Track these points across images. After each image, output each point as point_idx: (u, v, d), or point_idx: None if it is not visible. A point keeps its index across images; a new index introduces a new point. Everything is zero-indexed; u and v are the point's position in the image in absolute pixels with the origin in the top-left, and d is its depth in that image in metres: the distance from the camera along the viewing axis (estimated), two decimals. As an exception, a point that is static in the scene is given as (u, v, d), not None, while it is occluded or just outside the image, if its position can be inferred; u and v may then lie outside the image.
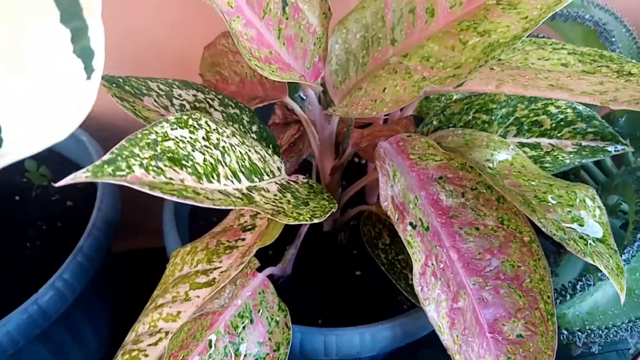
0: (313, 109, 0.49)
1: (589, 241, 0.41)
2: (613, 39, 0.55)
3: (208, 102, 0.47)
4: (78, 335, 0.61)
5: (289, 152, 0.59)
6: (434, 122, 0.54)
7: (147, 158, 0.28)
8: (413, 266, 0.41)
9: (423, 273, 0.41)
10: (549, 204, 0.44)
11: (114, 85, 0.41)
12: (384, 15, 0.42)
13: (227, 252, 0.45)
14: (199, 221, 0.62)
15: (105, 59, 0.66)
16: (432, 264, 0.43)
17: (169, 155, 0.30)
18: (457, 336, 0.41)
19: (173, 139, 0.31)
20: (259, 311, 0.43)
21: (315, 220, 0.36)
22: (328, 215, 0.38)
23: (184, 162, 0.31)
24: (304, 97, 0.54)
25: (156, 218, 0.58)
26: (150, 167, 0.28)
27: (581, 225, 0.42)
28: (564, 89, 0.36)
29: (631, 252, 0.47)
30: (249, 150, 0.41)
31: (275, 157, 0.47)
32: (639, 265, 0.52)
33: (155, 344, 0.41)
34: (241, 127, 0.49)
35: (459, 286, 0.42)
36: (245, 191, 0.36)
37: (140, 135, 0.29)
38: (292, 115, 0.60)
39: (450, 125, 0.53)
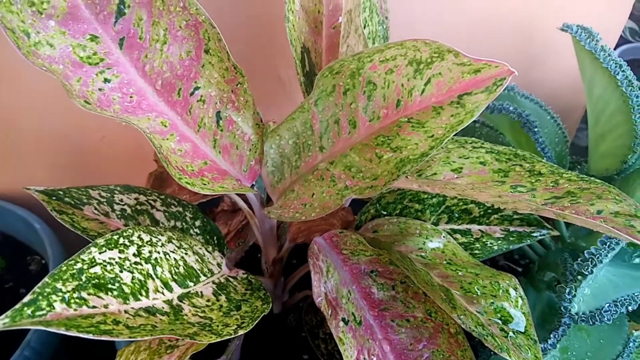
0: (253, 205, 0.51)
1: (509, 333, 0.44)
2: (536, 129, 0.59)
3: (150, 204, 0.49)
4: None
5: (236, 238, 0.61)
6: (371, 211, 0.57)
7: (69, 291, 0.30)
8: (345, 362, 0.43)
9: (355, 369, 0.43)
10: (474, 295, 0.46)
11: (54, 198, 0.43)
12: (312, 124, 0.46)
13: (167, 351, 0.46)
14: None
15: (64, 152, 0.68)
16: (365, 359, 0.44)
17: (94, 282, 0.32)
18: None
19: (100, 264, 0.33)
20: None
21: (241, 332, 0.38)
22: (256, 321, 0.40)
23: (110, 285, 0.33)
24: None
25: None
26: (72, 300, 0.30)
27: (504, 317, 0.45)
28: (469, 197, 0.39)
29: (556, 336, 0.49)
30: (186, 254, 0.43)
31: (216, 253, 0.49)
32: (570, 344, 0.55)
33: None
34: (184, 223, 0.51)
35: (389, 380, 0.44)
36: (175, 302, 0.38)
37: (64, 268, 0.31)
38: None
39: (386, 213, 0.57)
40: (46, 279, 0.30)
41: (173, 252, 0.42)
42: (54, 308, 0.29)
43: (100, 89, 0.38)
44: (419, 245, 0.52)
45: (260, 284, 0.48)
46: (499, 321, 0.45)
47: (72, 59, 0.37)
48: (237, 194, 0.54)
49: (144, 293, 0.36)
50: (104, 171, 0.70)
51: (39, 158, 0.68)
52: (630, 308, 0.45)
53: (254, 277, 0.49)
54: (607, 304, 0.45)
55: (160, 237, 0.41)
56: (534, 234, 0.55)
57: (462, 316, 0.43)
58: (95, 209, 0.45)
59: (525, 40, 0.76)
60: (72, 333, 0.28)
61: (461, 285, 0.47)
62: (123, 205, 0.47)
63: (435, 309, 0.46)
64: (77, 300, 0.30)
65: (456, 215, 0.56)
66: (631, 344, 0.51)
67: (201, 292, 0.42)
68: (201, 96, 0.43)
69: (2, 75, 0.60)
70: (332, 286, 0.47)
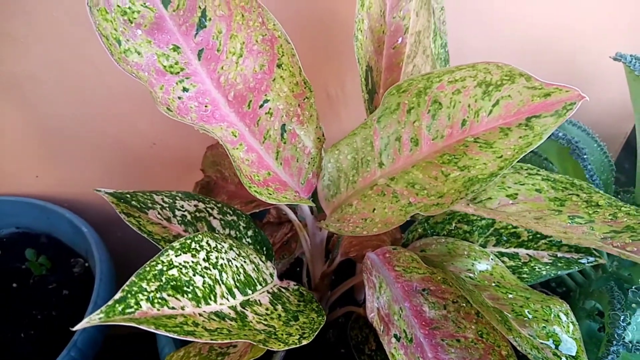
0: (306, 218, 0.52)
1: (562, 358, 0.44)
2: (585, 156, 0.60)
3: (208, 211, 0.50)
4: None
5: (281, 250, 0.62)
6: (419, 230, 0.57)
7: (153, 291, 0.31)
8: (397, 380, 0.43)
9: (407, 386, 0.43)
10: (525, 318, 0.46)
11: (122, 201, 0.44)
12: (372, 141, 0.47)
13: (218, 358, 0.46)
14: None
15: (114, 157, 0.69)
16: (415, 376, 0.44)
17: (172, 283, 0.33)
18: None
19: (177, 266, 0.34)
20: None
21: (304, 342, 0.38)
22: (316, 332, 0.40)
23: (185, 288, 0.34)
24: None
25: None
26: (155, 300, 0.31)
27: (556, 342, 0.45)
28: (534, 229, 0.40)
29: (605, 365, 0.49)
30: (244, 262, 0.44)
31: (269, 263, 0.50)
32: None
33: None
34: (237, 232, 0.52)
35: (441, 400, 0.44)
36: (239, 309, 0.39)
37: (148, 268, 0.32)
38: (286, 215, 0.63)
39: (434, 233, 0.57)
40: (133, 277, 0.30)
41: (234, 260, 0.42)
42: (140, 307, 0.30)
43: (179, 97, 0.39)
44: (468, 267, 0.52)
45: (311, 297, 0.48)
46: (552, 345, 0.45)
47: (156, 67, 0.38)
48: (288, 206, 0.54)
49: (212, 297, 0.36)
50: (152, 178, 0.71)
51: (91, 163, 0.69)
52: (685, 340, 0.45)
53: (305, 289, 0.50)
54: (663, 334, 0.44)
55: (223, 244, 0.42)
56: (582, 261, 0.55)
57: (517, 338, 0.43)
58: (159, 213, 0.46)
59: (568, 67, 0.77)
60: (161, 332, 0.28)
61: (512, 308, 0.47)
62: (184, 211, 0.48)
63: (487, 330, 0.46)
64: (160, 300, 0.31)
65: (504, 238, 0.56)
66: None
67: (259, 300, 0.43)
68: (269, 109, 0.44)
69: (60, 84, 0.62)
70: (385, 302, 0.47)
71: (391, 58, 0.52)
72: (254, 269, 0.45)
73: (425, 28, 0.44)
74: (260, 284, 0.45)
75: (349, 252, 0.52)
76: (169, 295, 0.32)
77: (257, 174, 0.43)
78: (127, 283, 0.30)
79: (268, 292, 0.45)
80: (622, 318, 0.45)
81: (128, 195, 0.45)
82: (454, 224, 0.56)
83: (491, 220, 0.56)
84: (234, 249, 0.44)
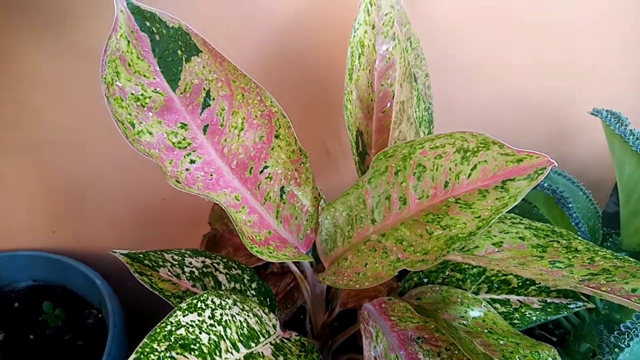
0: (305, 270, 0.56)
1: (551, 404, 0.46)
2: (570, 205, 0.63)
3: (214, 267, 0.54)
4: None
5: (285, 300, 0.65)
6: (414, 279, 0.60)
7: (163, 350, 0.34)
8: None
9: None
10: (515, 364, 0.49)
11: (135, 261, 0.48)
12: (365, 199, 0.50)
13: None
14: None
15: (127, 213, 0.74)
16: (411, 423, 0.47)
17: (180, 342, 0.36)
18: None
19: (184, 325, 0.38)
20: None
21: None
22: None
23: (192, 345, 0.37)
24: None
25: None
26: (165, 359, 0.34)
27: (544, 387, 0.47)
28: (514, 272, 0.43)
29: (596, 409, 0.51)
30: (248, 316, 0.48)
31: (271, 315, 0.53)
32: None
33: None
34: (242, 285, 0.56)
35: None
36: (243, 363, 0.42)
37: (158, 330, 0.35)
38: (288, 266, 0.67)
39: (429, 281, 0.60)
40: (145, 339, 0.34)
41: (238, 315, 0.46)
42: (152, 367, 0.33)
43: (187, 169, 0.43)
44: (461, 314, 0.55)
45: (312, 347, 0.51)
46: (541, 391, 0.47)
47: (166, 144, 0.43)
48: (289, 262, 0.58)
49: (218, 353, 0.40)
50: (162, 232, 0.75)
51: (105, 219, 0.74)
52: (667, 383, 0.47)
53: (306, 339, 0.53)
54: (645, 378, 0.47)
55: (227, 300, 0.46)
56: (571, 306, 0.58)
57: (506, 385, 0.45)
58: (169, 270, 0.50)
59: (555, 116, 0.81)
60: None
61: (503, 354, 0.50)
62: (192, 267, 0.52)
63: (479, 377, 0.49)
64: (169, 359, 0.34)
65: (496, 285, 0.59)
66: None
67: (262, 352, 0.46)
68: (269, 174, 0.49)
69: (77, 149, 0.67)
70: (381, 351, 0.50)
71: (381, 121, 0.56)
72: (257, 322, 0.49)
73: (409, 99, 0.48)
74: (264, 336, 0.48)
75: (347, 302, 0.55)
76: (177, 353, 0.36)
77: (259, 233, 0.47)
78: (140, 345, 0.33)
79: (271, 343, 0.49)
80: (605, 364, 0.48)
81: (141, 255, 0.49)
82: (447, 272, 0.60)
83: (482, 268, 0.59)
84: (238, 303, 0.47)
